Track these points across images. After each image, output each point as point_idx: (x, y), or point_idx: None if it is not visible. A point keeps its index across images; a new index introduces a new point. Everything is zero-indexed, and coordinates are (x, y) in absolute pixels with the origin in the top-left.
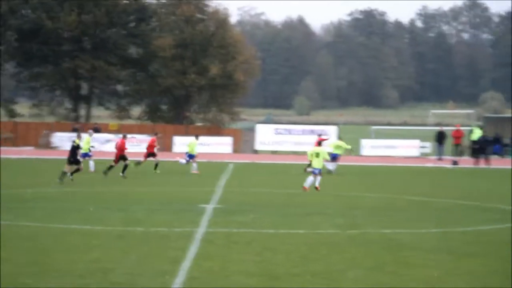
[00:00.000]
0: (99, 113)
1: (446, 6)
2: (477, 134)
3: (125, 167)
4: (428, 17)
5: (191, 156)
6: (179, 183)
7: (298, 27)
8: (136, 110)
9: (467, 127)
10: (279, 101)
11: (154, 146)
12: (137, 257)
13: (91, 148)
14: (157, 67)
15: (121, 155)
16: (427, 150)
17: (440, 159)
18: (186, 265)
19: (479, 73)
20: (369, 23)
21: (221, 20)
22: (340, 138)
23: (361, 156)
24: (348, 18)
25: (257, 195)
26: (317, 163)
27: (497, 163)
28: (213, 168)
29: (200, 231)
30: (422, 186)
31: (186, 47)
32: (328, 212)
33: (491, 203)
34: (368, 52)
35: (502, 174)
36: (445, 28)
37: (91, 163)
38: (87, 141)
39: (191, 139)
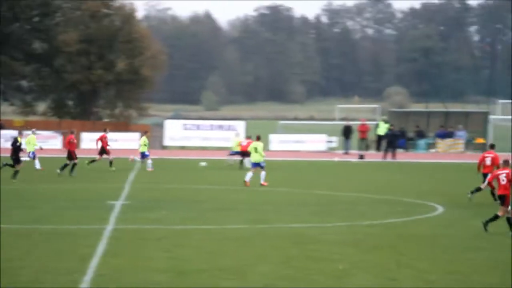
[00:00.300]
0: (4, 109)
1: (350, 2)
2: (382, 128)
3: (65, 166)
4: (333, 13)
5: (144, 155)
6: (87, 180)
7: (204, 22)
8: (42, 106)
9: (373, 122)
10: (187, 96)
11: (107, 143)
12: (44, 255)
13: (36, 148)
14: (62, 63)
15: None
16: (334, 145)
17: (346, 153)
18: (94, 262)
19: (383, 68)
20: (275, 19)
21: (127, 15)
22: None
23: (269, 151)
24: (254, 14)
25: (166, 191)
26: (256, 157)
27: (402, 156)
28: (121, 164)
29: (109, 228)
30: (329, 180)
31: (92, 42)
32: (237, 207)
33: (397, 196)
34: (274, 47)
35: (406, 168)
36: (349, 23)
37: (37, 162)
38: (32, 140)
39: (141, 137)
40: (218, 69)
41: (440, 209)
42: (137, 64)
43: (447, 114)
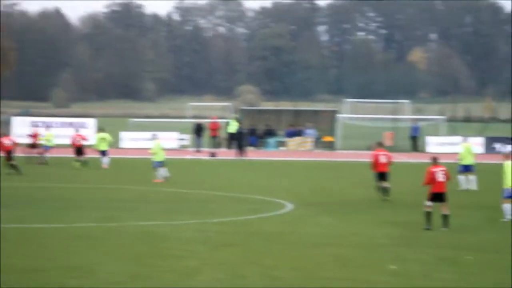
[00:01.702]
0: None
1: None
2: (233, 126)
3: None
4: (184, 11)
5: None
6: None
7: (54, 18)
8: None
9: (224, 120)
10: (36, 93)
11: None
12: None
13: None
14: None
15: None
16: (186, 142)
17: (198, 151)
18: None
19: (235, 67)
20: (127, 16)
21: None
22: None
23: (120, 148)
24: (105, 10)
25: (14, 190)
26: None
27: (253, 154)
28: None
29: None
30: (180, 178)
31: None
32: (86, 205)
33: (247, 193)
34: (126, 44)
35: (257, 166)
36: (201, 21)
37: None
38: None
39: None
40: (69, 66)
41: (289, 206)
42: None
43: (296, 113)
